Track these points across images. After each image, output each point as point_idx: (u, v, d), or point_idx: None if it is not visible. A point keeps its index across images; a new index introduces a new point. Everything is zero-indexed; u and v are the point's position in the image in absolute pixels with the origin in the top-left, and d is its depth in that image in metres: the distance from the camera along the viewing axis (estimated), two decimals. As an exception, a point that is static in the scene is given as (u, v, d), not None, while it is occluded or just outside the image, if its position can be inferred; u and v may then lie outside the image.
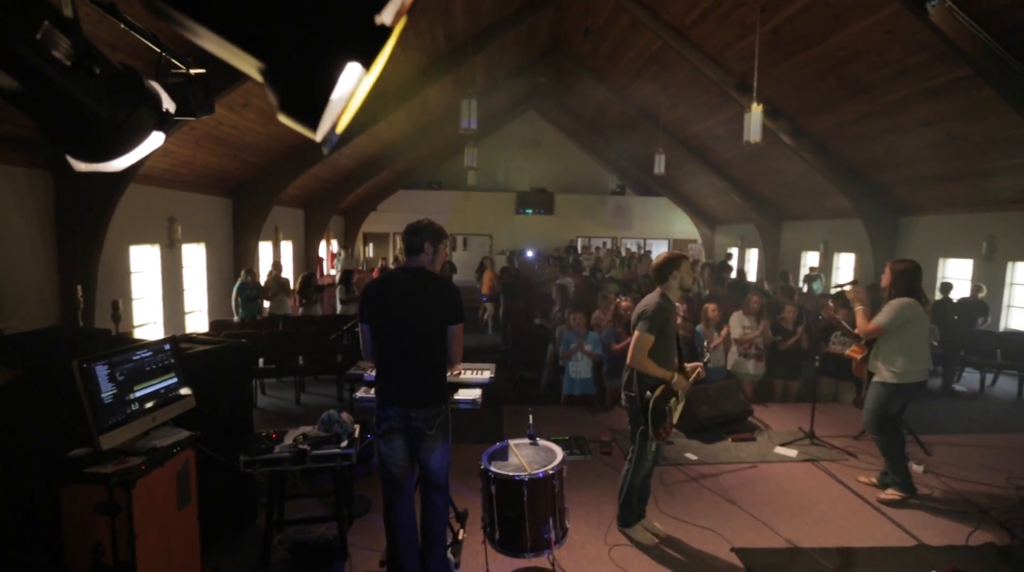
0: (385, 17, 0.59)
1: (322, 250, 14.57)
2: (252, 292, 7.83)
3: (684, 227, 18.45)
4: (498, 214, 18.52)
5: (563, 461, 2.77)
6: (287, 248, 12.22)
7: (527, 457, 2.80)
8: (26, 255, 5.36)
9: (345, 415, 3.13)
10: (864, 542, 3.33)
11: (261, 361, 6.30)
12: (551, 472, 2.66)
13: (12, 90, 0.93)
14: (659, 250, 18.70)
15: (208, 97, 1.38)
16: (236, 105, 6.58)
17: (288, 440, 2.97)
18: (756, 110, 6.23)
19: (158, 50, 1.25)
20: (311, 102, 0.59)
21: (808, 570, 3.06)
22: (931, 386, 6.58)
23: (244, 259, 9.26)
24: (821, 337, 6.11)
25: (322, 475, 3.65)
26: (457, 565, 2.97)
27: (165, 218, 7.64)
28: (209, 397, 2.86)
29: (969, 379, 7.34)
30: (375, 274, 11.06)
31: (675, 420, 3.20)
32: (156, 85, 1.10)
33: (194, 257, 8.64)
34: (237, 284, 7.78)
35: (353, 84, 0.62)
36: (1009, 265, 8.32)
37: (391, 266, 13.35)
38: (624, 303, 5.96)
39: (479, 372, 3.51)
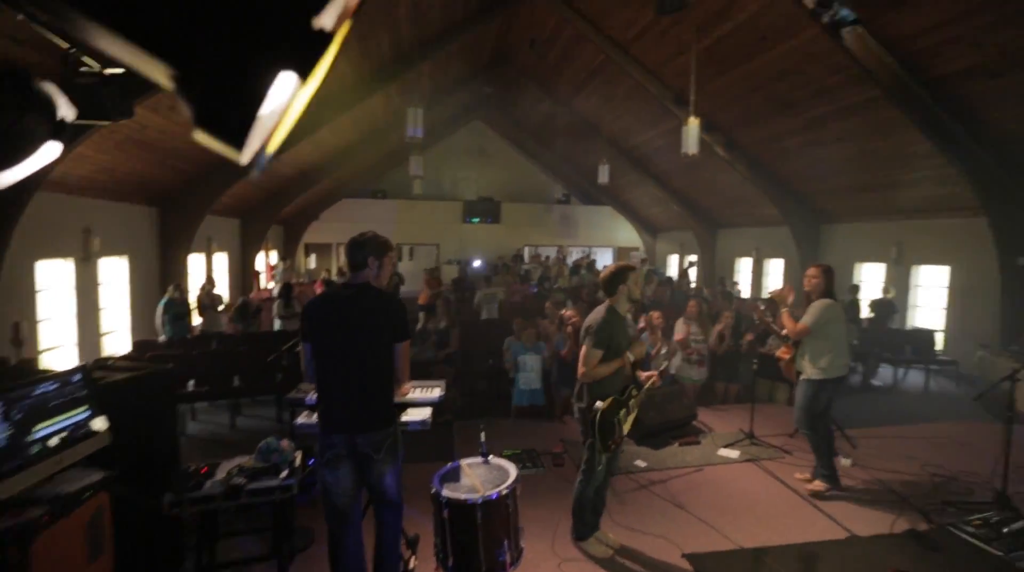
0: (325, 21, 0.51)
1: (260, 262, 13.82)
2: (180, 309, 7.27)
3: (628, 235, 19.02)
4: (445, 223, 18.36)
5: (517, 479, 2.71)
6: (221, 260, 11.48)
7: (480, 477, 2.72)
8: (-95, 273, 4.73)
9: (285, 442, 2.93)
10: (802, 537, 3.50)
11: (191, 384, 5.84)
12: (505, 492, 2.59)
13: None
14: (604, 258, 19.18)
15: (126, 99, 1.22)
16: (163, 107, 6.09)
17: (220, 473, 2.73)
18: (693, 123, 6.49)
19: (66, 45, 1.08)
20: (235, 117, 0.48)
21: (751, 570, 3.16)
22: (852, 383, 7.09)
23: (172, 273, 8.60)
24: (758, 341, 6.43)
25: (261, 509, 3.39)
26: (409, 594, 2.83)
27: (80, 229, 6.97)
28: (128, 430, 2.58)
29: (883, 374, 7.94)
30: (318, 286, 10.55)
31: (625, 432, 3.22)
32: (51, 87, 0.94)
33: (115, 272, 7.92)
34: (163, 300, 7.20)
35: (287, 97, 0.51)
36: (914, 269, 9.13)
37: (335, 278, 12.84)
38: (567, 312, 5.99)
39: (429, 389, 3.38)
